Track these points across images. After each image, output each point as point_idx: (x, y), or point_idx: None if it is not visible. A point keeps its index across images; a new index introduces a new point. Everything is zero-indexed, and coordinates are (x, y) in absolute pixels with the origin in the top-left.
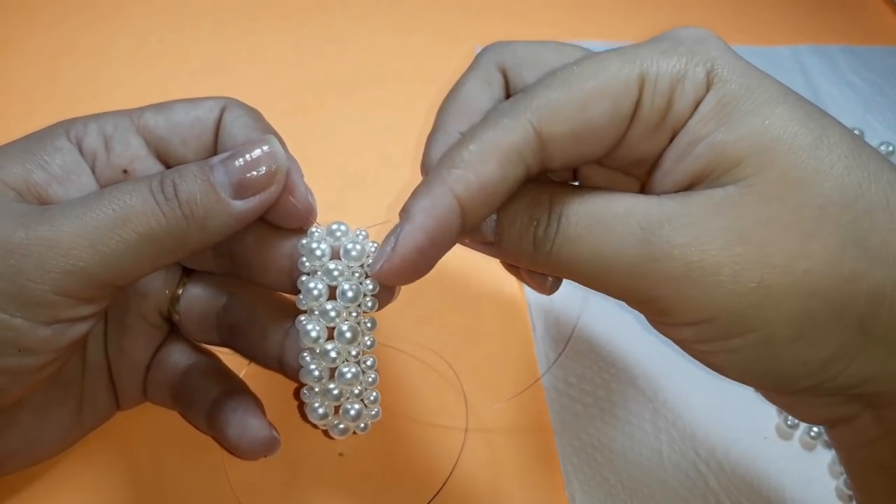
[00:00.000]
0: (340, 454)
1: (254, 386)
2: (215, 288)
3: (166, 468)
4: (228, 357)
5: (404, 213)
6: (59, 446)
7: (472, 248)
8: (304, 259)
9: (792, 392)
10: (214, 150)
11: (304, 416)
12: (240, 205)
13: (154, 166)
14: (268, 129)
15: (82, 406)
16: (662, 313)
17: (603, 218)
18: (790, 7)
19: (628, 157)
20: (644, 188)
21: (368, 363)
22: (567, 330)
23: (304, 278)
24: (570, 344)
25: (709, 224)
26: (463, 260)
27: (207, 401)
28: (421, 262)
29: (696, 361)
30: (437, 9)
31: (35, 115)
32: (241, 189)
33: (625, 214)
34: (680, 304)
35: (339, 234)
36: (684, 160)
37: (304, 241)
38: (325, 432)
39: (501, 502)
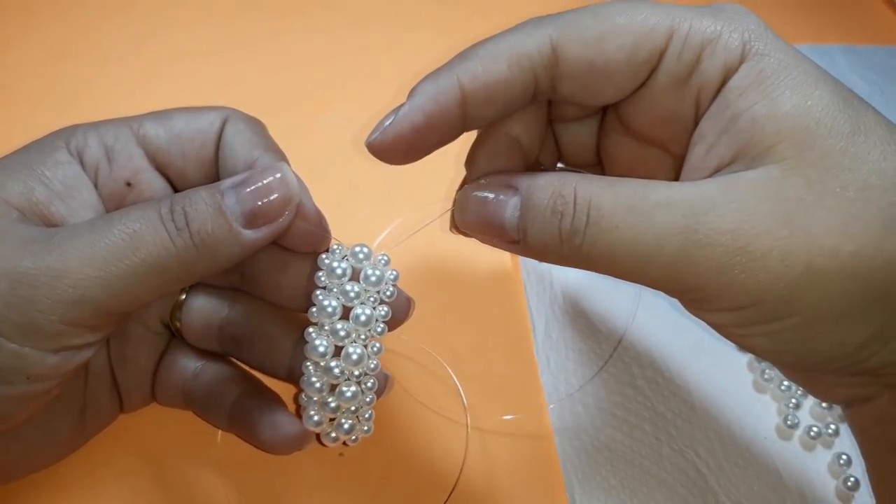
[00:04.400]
0: (340, 454)
1: None
2: (218, 298)
3: (162, 470)
4: None
5: (409, 93)
6: (62, 453)
7: (498, 247)
8: (322, 275)
9: (823, 372)
10: (216, 162)
11: (299, 417)
12: (251, 234)
13: (157, 179)
14: (270, 145)
15: (85, 413)
16: (703, 300)
17: (640, 208)
18: (790, 7)
19: (650, 112)
20: (680, 166)
21: (369, 384)
22: (567, 331)
23: (319, 294)
24: (569, 344)
25: (754, 208)
26: (463, 261)
27: (226, 402)
28: (414, 143)
29: (696, 361)
30: (438, 6)
31: (35, 115)
32: (253, 218)
33: (665, 203)
34: (725, 291)
35: (361, 256)
36: (728, 133)
37: (325, 257)
38: (318, 436)
39: (501, 502)
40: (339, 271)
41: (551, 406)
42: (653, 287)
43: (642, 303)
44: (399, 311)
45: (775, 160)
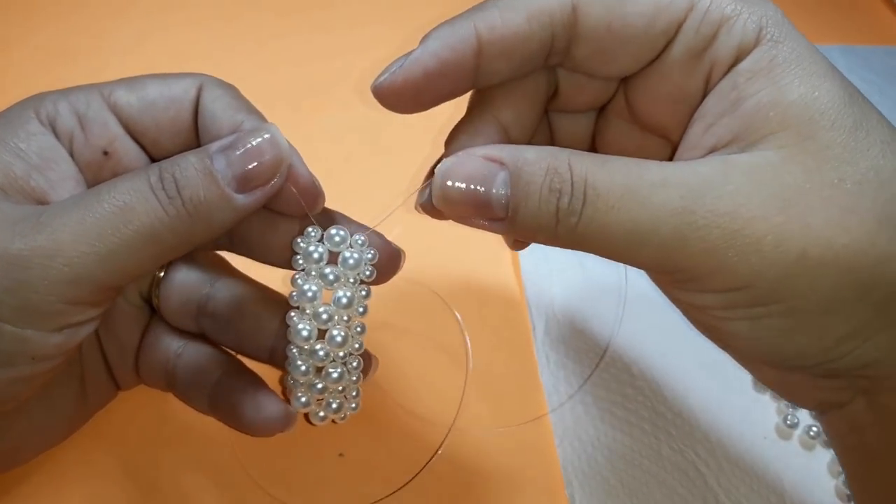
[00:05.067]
0: (340, 454)
1: None
2: (199, 274)
3: (160, 473)
4: None
5: (423, 39)
6: (68, 429)
7: (479, 227)
8: (299, 258)
9: (794, 369)
10: (193, 130)
11: (286, 401)
12: (243, 198)
13: (133, 147)
14: (251, 108)
15: (85, 386)
16: (691, 281)
17: (637, 188)
18: (790, 7)
19: (660, 88)
20: (676, 148)
21: (354, 364)
22: (566, 331)
23: (298, 278)
24: (570, 344)
25: (752, 192)
26: (463, 260)
27: (208, 384)
28: (424, 89)
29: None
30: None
31: None
32: (245, 181)
33: (661, 184)
34: (716, 273)
35: (337, 239)
36: (731, 115)
37: (300, 241)
38: (306, 416)
39: (501, 502)
40: (315, 255)
41: (551, 409)
42: (641, 267)
43: (642, 303)
44: (390, 263)
45: (775, 147)
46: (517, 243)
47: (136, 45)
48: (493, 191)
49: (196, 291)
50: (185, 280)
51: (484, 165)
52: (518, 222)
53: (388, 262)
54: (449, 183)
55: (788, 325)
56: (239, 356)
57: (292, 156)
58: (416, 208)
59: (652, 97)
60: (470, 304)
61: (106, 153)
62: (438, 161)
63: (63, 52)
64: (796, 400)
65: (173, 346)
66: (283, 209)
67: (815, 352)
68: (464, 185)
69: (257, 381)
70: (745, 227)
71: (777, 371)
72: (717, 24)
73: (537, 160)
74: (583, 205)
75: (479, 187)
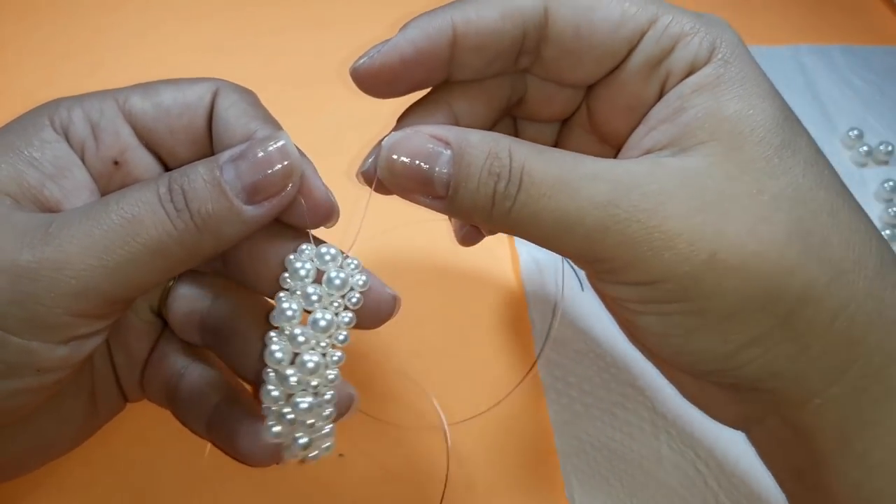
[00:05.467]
0: (340, 455)
1: None
2: (203, 287)
3: (157, 475)
4: None
5: (402, 27)
6: (75, 440)
7: (418, 202)
8: (287, 275)
9: (703, 376)
10: (208, 137)
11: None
12: (252, 210)
13: (145, 156)
14: (267, 116)
15: (95, 398)
16: (609, 272)
17: (569, 179)
18: (790, 7)
19: (619, 97)
20: (619, 150)
21: (326, 397)
22: (567, 331)
23: (282, 295)
24: (570, 344)
25: (675, 192)
26: (463, 259)
27: (207, 407)
28: (400, 75)
29: None
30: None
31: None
32: (254, 193)
33: (592, 177)
34: (632, 266)
35: (327, 257)
36: (670, 122)
37: (292, 258)
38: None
39: (501, 502)
40: (302, 272)
41: (551, 408)
42: (566, 255)
43: None
44: (382, 309)
45: (704, 154)
46: (465, 239)
47: (134, 42)
48: (436, 169)
49: (200, 303)
50: (191, 292)
51: (429, 143)
52: (457, 202)
53: (379, 305)
54: (394, 156)
55: (695, 324)
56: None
57: (306, 167)
58: (356, 176)
59: (611, 105)
60: (470, 304)
61: (116, 163)
62: (388, 135)
63: (59, 49)
64: (716, 415)
65: (178, 364)
66: (297, 223)
67: (718, 355)
68: (408, 160)
69: (256, 410)
70: (663, 224)
71: (693, 381)
72: (676, 38)
73: (480, 143)
74: (518, 190)
75: (422, 164)
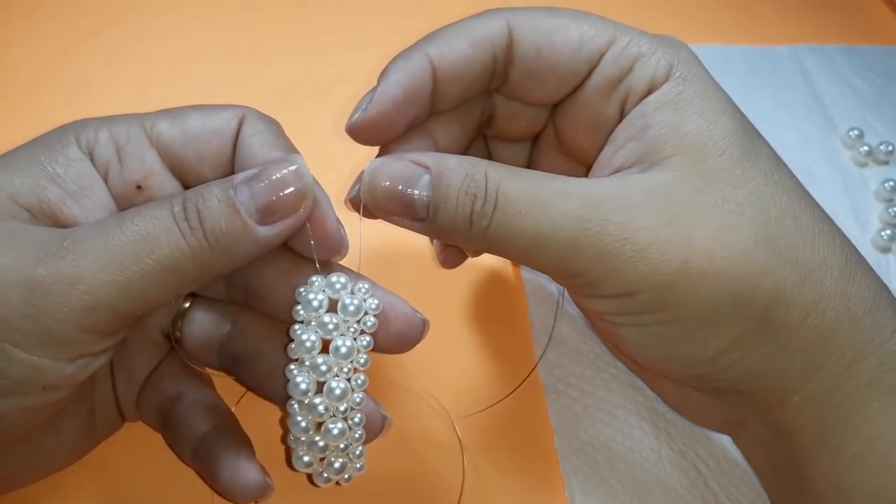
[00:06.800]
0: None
1: (248, 405)
2: (220, 313)
3: (155, 478)
4: (219, 378)
5: (382, 74)
6: (73, 456)
7: (402, 225)
8: (300, 308)
9: (687, 382)
10: (232, 163)
11: (289, 461)
12: (265, 231)
13: (169, 181)
14: (289, 147)
15: (94, 415)
16: (586, 286)
17: (542, 197)
18: (790, 7)
19: (582, 115)
20: (590, 170)
21: (356, 420)
22: (567, 331)
23: (297, 328)
24: (570, 344)
25: (643, 205)
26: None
27: (195, 435)
28: (395, 118)
29: None
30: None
31: (35, 111)
32: (268, 214)
33: (563, 194)
34: (606, 278)
35: (337, 286)
36: (636, 140)
37: (303, 290)
38: (310, 477)
39: (501, 502)
40: (315, 303)
41: (550, 408)
42: (543, 271)
43: None
44: (412, 334)
45: (670, 168)
46: (447, 261)
47: (136, 44)
48: (416, 192)
49: (218, 329)
50: (209, 316)
51: (409, 168)
52: (437, 223)
53: (408, 330)
54: (377, 181)
55: (673, 333)
56: (238, 413)
57: (320, 196)
58: (344, 203)
59: (575, 123)
60: (470, 304)
61: (139, 187)
62: (371, 162)
63: (64, 51)
64: (700, 421)
65: (174, 388)
66: (307, 251)
67: (699, 361)
68: (389, 184)
69: (242, 445)
70: (634, 236)
71: (677, 388)
72: (634, 58)
73: (458, 167)
74: (494, 209)
75: (403, 187)
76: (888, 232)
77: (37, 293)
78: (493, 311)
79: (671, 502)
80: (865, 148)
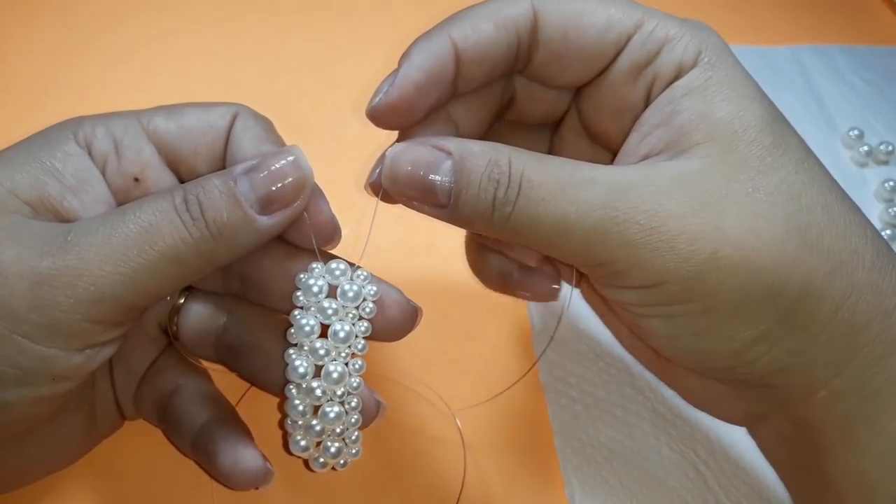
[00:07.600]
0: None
1: (248, 403)
2: (216, 305)
3: (156, 478)
4: (219, 375)
5: (404, 56)
6: (75, 454)
7: (422, 212)
8: (300, 293)
9: (712, 373)
10: (224, 158)
11: (286, 446)
12: (266, 220)
13: (166, 174)
14: (280, 143)
15: (95, 412)
16: (612, 276)
17: (567, 183)
18: (790, 7)
19: (608, 100)
20: (616, 157)
21: (352, 404)
22: (567, 331)
23: (296, 313)
24: (570, 344)
25: (672, 193)
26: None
27: (194, 426)
28: (417, 101)
29: None
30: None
31: (36, 115)
32: (268, 203)
33: (589, 181)
34: (634, 268)
35: (337, 272)
36: (664, 126)
37: (303, 276)
38: (306, 463)
39: (501, 502)
40: (315, 289)
41: (550, 408)
42: (566, 260)
43: None
44: (406, 320)
45: (699, 156)
46: (498, 288)
47: (136, 46)
48: (438, 177)
49: (214, 321)
50: (204, 309)
51: (432, 153)
52: (458, 209)
53: (401, 317)
54: (398, 166)
55: (701, 324)
56: (240, 398)
57: (315, 188)
58: (364, 187)
59: (600, 108)
60: (470, 304)
61: (137, 180)
62: (391, 146)
63: (64, 52)
64: (722, 414)
65: (172, 381)
66: (302, 241)
67: (727, 353)
68: (411, 169)
69: (240, 432)
70: (662, 226)
71: (700, 382)
72: (662, 42)
73: (481, 152)
74: (517, 195)
75: (425, 173)
76: (888, 232)
77: (43, 285)
78: (493, 311)
79: (671, 502)
80: (865, 148)
